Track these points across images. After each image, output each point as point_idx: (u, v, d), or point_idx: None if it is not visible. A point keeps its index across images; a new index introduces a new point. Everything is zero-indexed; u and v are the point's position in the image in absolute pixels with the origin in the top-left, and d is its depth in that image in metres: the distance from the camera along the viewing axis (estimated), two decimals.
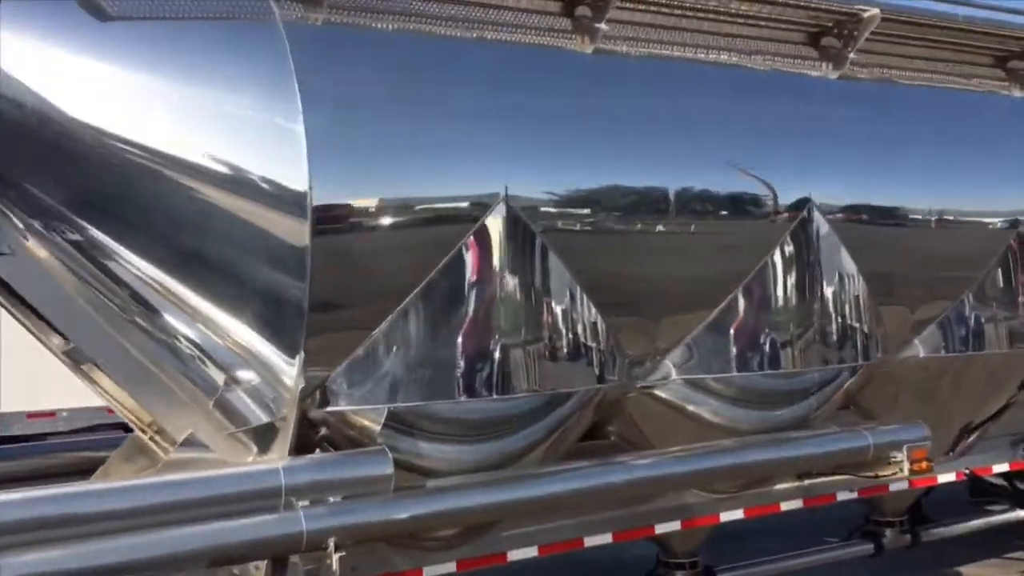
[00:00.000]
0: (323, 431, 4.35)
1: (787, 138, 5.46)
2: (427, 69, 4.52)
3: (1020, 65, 6.86)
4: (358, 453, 4.22)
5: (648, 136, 5.04)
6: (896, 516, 6.99)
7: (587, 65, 5.05)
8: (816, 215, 5.36)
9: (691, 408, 5.36)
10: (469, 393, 4.46)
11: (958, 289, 6.08)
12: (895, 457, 5.62)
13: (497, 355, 4.50)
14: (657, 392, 5.24)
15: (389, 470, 4.14)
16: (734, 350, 5.25)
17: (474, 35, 4.72)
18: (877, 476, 5.76)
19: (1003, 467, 7.14)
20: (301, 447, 4.27)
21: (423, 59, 4.55)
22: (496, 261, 4.47)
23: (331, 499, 4.03)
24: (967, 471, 6.85)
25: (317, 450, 4.34)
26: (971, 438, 6.81)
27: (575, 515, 5.31)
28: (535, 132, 4.69)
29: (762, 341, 5.31)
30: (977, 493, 7.88)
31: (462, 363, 4.45)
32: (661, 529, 5.62)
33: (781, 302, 5.40)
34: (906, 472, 5.61)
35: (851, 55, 5.76)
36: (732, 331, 5.23)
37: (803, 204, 5.36)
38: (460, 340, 4.44)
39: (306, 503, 3.96)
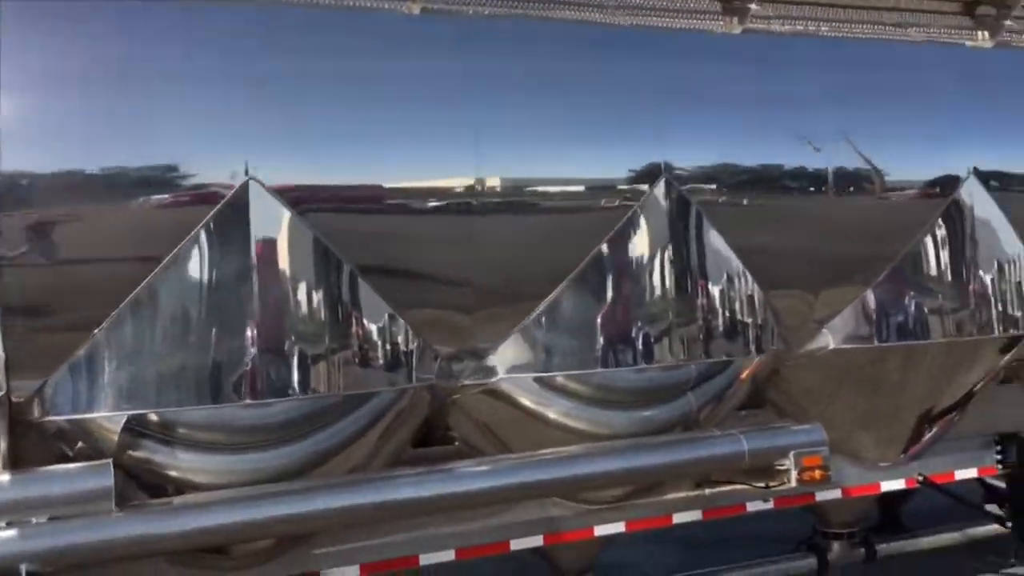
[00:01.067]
0: (60, 443, 3.98)
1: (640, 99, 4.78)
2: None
3: (990, 11, 6.05)
4: (78, 467, 3.81)
5: None
6: (844, 527, 6.25)
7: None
8: (671, 186, 4.71)
9: (540, 410, 4.79)
10: (223, 398, 4.00)
11: (874, 269, 5.31)
12: (782, 465, 4.92)
13: (257, 356, 4.04)
14: (504, 390, 4.69)
15: (108, 483, 3.73)
16: (574, 344, 4.66)
17: None
18: (768, 487, 5.06)
19: (969, 473, 6.29)
20: (31, 460, 3.91)
21: None
22: (247, 251, 4.01)
23: (34, 519, 3.66)
24: (920, 477, 6.04)
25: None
26: (925, 439, 6.00)
27: (408, 529, 4.83)
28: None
29: (608, 333, 4.69)
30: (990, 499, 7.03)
31: (223, 365, 4.01)
32: (517, 545, 5.07)
33: (638, 289, 4.78)
34: (793, 482, 4.91)
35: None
36: (564, 325, 4.64)
37: (654, 174, 4.72)
38: (215, 341, 4.00)
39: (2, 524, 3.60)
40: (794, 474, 4.87)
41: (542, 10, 4.73)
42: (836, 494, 5.80)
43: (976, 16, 5.99)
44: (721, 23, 5.21)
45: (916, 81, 5.53)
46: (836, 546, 6.22)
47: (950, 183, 5.41)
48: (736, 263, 4.91)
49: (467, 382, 4.60)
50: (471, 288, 4.44)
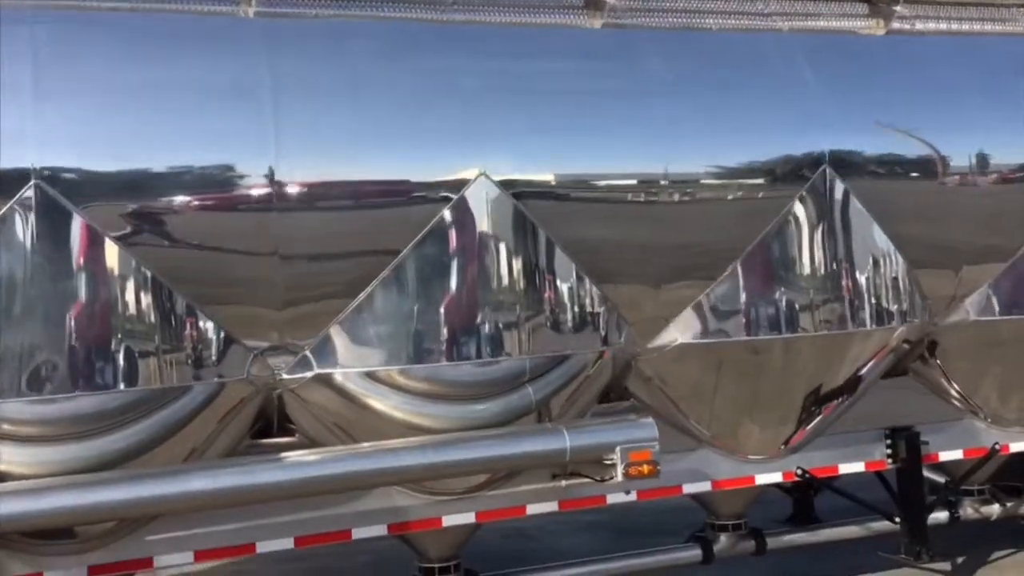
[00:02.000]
0: None
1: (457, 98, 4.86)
2: None
3: None
4: None
5: None
6: (732, 519, 6.24)
7: None
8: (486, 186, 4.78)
9: (369, 403, 4.92)
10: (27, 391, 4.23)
11: (721, 262, 5.28)
12: (610, 459, 4.96)
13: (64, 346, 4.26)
14: (337, 383, 4.82)
15: None
16: (393, 338, 4.78)
17: None
18: (603, 480, 5.11)
19: (856, 467, 6.21)
20: None
21: None
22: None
23: None
24: (799, 471, 5.99)
25: None
26: (804, 431, 5.95)
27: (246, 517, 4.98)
28: None
29: (414, 327, 4.79)
30: None
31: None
32: (360, 534, 5.21)
33: (463, 285, 4.85)
34: (619, 476, 4.94)
35: None
36: (381, 319, 4.75)
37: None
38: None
39: None
40: (620, 469, 4.91)
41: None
42: (706, 486, 5.83)
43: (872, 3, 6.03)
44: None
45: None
46: (723, 538, 6.22)
47: (802, 173, 5.37)
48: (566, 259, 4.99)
49: (287, 376, 4.76)
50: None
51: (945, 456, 6.41)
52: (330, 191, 4.62)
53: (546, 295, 5.00)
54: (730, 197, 5.28)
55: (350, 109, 4.65)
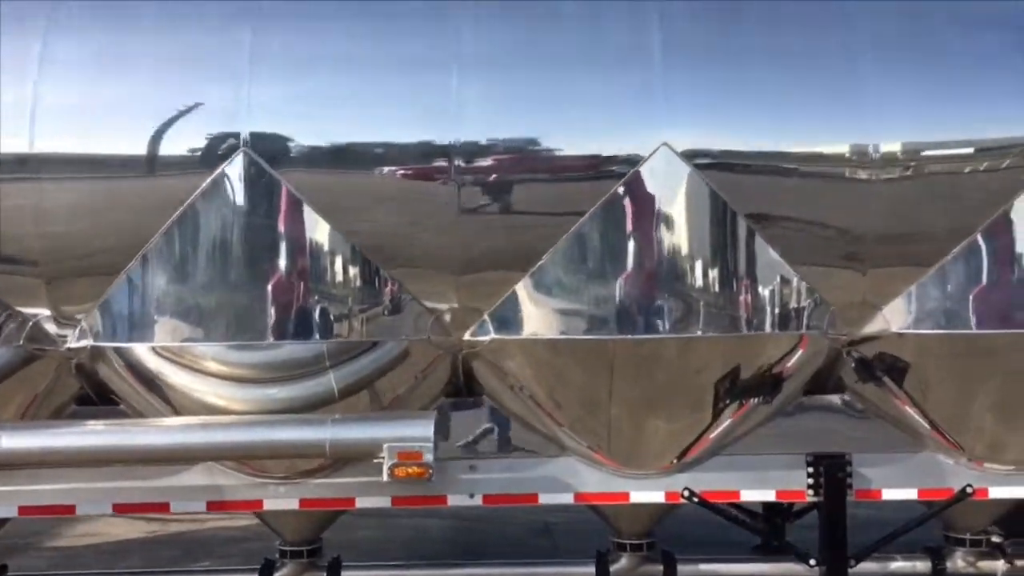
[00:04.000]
0: None
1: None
2: None
3: None
4: None
5: None
6: (635, 538, 5.61)
7: None
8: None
9: (166, 379, 4.93)
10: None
11: (534, 254, 4.74)
12: (380, 457, 4.64)
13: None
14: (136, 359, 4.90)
15: None
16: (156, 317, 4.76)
17: None
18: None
19: (765, 495, 5.34)
20: None
21: None
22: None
23: None
24: (685, 493, 5.26)
25: None
26: (698, 448, 5.23)
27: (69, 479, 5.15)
28: None
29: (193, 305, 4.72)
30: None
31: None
32: (179, 507, 5.23)
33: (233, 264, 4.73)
34: (385, 476, 4.60)
35: None
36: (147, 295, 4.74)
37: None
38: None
39: None
40: (386, 468, 4.59)
41: None
42: (566, 498, 5.30)
43: None
44: None
45: None
46: (624, 558, 5.63)
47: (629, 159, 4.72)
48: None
49: (73, 345, 4.88)
50: None
51: (890, 495, 5.39)
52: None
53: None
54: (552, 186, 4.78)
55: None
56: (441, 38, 4.78)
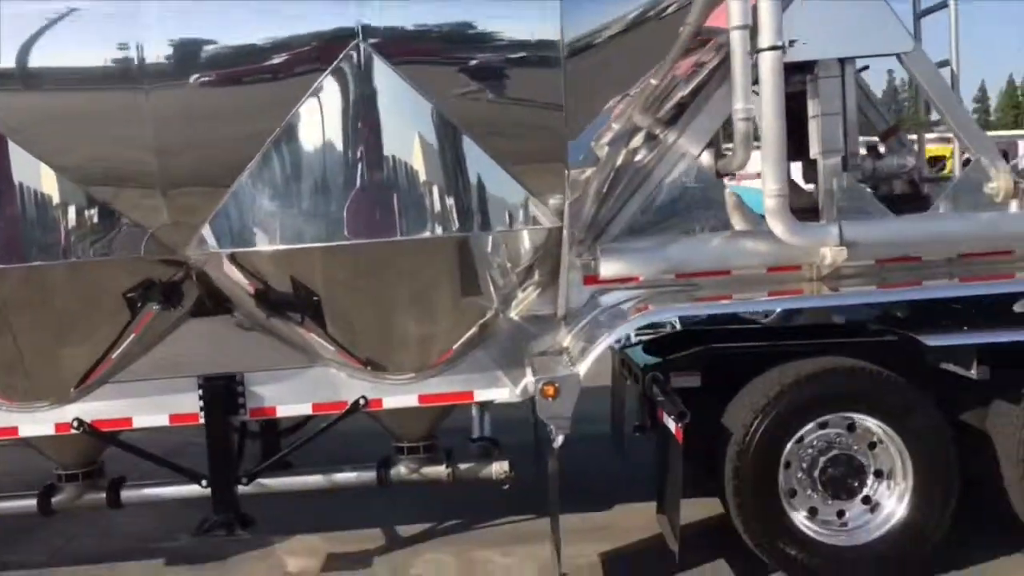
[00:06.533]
0: None
1: None
2: None
3: None
4: None
5: None
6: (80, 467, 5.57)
7: None
8: None
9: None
10: None
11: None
12: None
13: None
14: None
15: None
16: None
17: None
18: None
19: (155, 419, 5.27)
20: None
21: None
22: None
23: None
24: (75, 423, 5.22)
25: None
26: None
27: None
28: None
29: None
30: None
31: None
32: None
33: None
34: None
35: None
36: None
37: None
38: None
39: None
40: None
41: None
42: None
43: None
44: None
45: None
46: (68, 488, 5.61)
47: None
48: None
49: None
50: None
51: (285, 411, 5.37)
52: None
53: None
54: None
55: None
56: None
